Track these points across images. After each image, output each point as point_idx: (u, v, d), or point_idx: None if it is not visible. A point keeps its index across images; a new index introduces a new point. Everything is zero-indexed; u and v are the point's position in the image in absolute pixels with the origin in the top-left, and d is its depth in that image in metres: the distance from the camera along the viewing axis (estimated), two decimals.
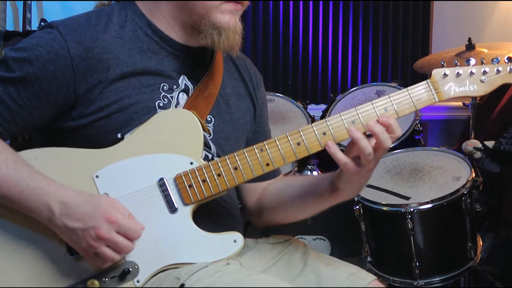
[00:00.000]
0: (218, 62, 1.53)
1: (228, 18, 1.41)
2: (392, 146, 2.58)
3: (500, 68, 1.40)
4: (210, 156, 1.48)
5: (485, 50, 2.69)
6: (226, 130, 1.53)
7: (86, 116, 1.38)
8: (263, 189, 1.62)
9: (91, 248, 1.29)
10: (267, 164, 1.38)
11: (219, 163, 1.38)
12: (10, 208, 1.33)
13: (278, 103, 2.96)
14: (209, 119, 1.50)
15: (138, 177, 1.37)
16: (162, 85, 1.44)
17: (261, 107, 1.66)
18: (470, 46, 2.71)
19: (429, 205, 2.21)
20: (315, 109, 3.69)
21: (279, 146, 1.38)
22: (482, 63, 1.41)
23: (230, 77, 1.59)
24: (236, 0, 1.42)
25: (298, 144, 1.37)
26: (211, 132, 1.50)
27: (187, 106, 1.45)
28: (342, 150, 1.36)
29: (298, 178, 1.63)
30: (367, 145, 1.32)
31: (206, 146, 1.47)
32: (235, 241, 1.39)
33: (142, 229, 1.34)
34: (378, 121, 1.34)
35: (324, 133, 1.37)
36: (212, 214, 1.46)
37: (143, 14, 1.46)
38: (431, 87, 1.40)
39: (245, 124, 1.59)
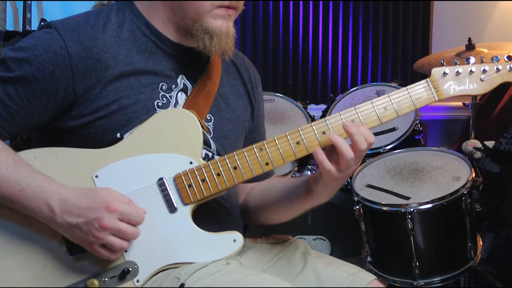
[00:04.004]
0: (215, 61, 1.54)
1: (220, 23, 1.41)
2: (392, 146, 2.63)
3: (499, 67, 1.40)
4: (210, 154, 1.49)
5: (485, 50, 2.68)
6: (225, 128, 1.53)
7: (85, 115, 1.38)
8: (250, 189, 1.63)
9: (97, 240, 1.29)
10: (267, 164, 1.38)
11: (218, 163, 1.38)
12: (10, 208, 1.33)
13: (278, 103, 2.95)
14: (208, 117, 1.50)
15: (138, 177, 1.37)
16: (161, 84, 1.44)
17: (259, 106, 1.66)
18: (470, 46, 2.70)
19: (429, 205, 2.20)
20: (315, 109, 3.69)
21: (278, 146, 1.38)
22: (482, 62, 1.41)
23: (228, 75, 1.59)
24: (229, 6, 1.42)
25: (298, 143, 1.37)
26: (211, 131, 1.50)
27: (186, 106, 1.45)
28: None
29: (280, 180, 1.63)
30: (348, 149, 1.34)
31: (206, 144, 1.47)
32: (234, 240, 1.39)
33: (144, 213, 1.34)
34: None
35: (324, 132, 1.37)
36: (211, 214, 1.46)
37: (141, 14, 1.46)
38: (430, 86, 1.40)
39: (243, 122, 1.60)
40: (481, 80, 1.40)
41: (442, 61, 1.42)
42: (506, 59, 1.39)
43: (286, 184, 1.55)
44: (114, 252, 1.32)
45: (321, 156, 1.35)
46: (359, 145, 1.34)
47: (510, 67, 1.39)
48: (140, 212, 1.33)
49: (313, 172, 1.39)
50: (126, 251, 1.35)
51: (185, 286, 1.30)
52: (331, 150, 1.37)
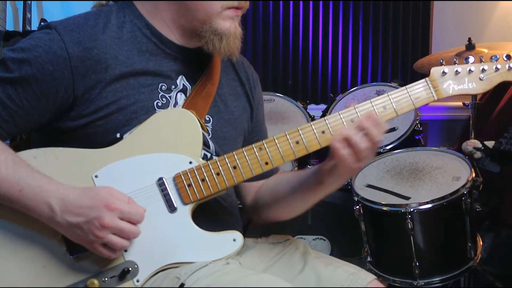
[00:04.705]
0: (215, 62, 1.54)
1: (229, 24, 1.42)
2: (392, 146, 2.63)
3: (498, 66, 1.40)
4: (209, 155, 1.49)
5: (485, 50, 2.68)
6: (224, 129, 1.53)
7: (85, 116, 1.38)
8: (258, 187, 1.63)
9: (98, 239, 1.29)
10: (266, 163, 1.38)
11: (218, 162, 1.38)
12: (10, 208, 1.33)
13: (278, 103, 2.96)
14: (207, 118, 1.51)
15: (137, 177, 1.37)
16: (160, 85, 1.44)
17: (258, 106, 1.66)
18: (470, 46, 2.70)
19: (429, 205, 2.20)
20: (315, 109, 3.69)
21: (278, 145, 1.38)
22: (481, 61, 1.41)
23: (227, 76, 1.59)
24: (237, 7, 1.43)
25: (297, 143, 1.38)
26: (210, 131, 1.50)
27: (186, 106, 1.45)
28: None
29: (287, 174, 1.63)
30: (362, 139, 1.32)
31: (205, 145, 1.47)
32: (234, 240, 1.39)
33: (144, 211, 1.34)
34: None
35: (323, 132, 1.37)
36: (211, 213, 1.46)
37: (142, 15, 1.46)
38: (429, 85, 1.40)
39: (242, 123, 1.60)
40: (480, 79, 1.40)
41: (441, 61, 1.42)
42: (505, 59, 1.39)
43: (294, 178, 1.54)
44: (114, 251, 1.32)
45: (338, 143, 1.32)
46: (374, 137, 1.32)
47: (509, 66, 1.39)
48: (140, 210, 1.33)
49: (322, 163, 1.38)
50: (126, 250, 1.35)
51: (185, 286, 1.30)
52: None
